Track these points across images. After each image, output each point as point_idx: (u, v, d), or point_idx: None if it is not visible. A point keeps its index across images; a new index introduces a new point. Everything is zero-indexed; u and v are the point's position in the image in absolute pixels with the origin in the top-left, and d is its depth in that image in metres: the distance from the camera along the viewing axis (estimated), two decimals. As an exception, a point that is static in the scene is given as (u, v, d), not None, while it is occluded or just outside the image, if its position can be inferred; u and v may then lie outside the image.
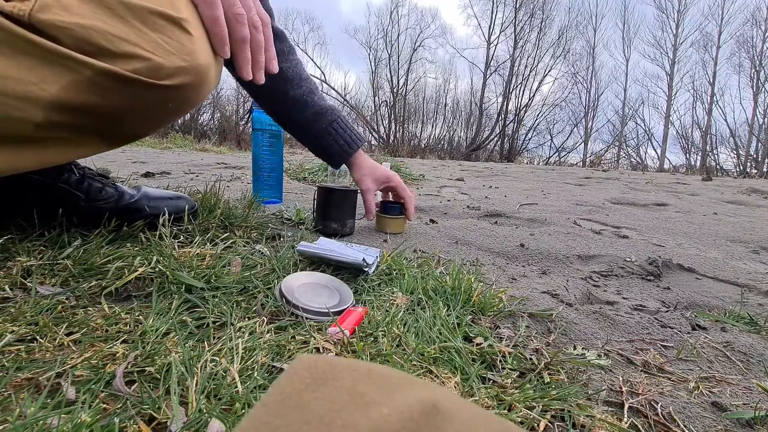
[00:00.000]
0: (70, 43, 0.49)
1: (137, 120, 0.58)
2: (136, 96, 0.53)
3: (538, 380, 0.50)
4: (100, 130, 0.57)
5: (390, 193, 1.21)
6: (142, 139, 0.66)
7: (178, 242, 0.79)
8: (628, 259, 1.08)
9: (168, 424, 0.36)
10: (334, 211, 1.09)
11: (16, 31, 0.47)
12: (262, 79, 0.67)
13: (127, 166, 2.60)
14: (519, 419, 0.43)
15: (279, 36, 1.03)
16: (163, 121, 0.61)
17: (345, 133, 1.10)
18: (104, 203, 0.79)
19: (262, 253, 0.83)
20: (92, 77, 0.50)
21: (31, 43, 0.48)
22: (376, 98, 16.76)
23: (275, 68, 0.68)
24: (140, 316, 0.54)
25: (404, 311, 0.63)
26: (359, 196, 1.15)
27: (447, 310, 0.65)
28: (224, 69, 0.97)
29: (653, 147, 16.64)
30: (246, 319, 0.57)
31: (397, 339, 0.55)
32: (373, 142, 15.92)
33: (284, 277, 0.67)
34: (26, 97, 0.49)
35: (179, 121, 11.89)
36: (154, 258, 0.66)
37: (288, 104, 1.05)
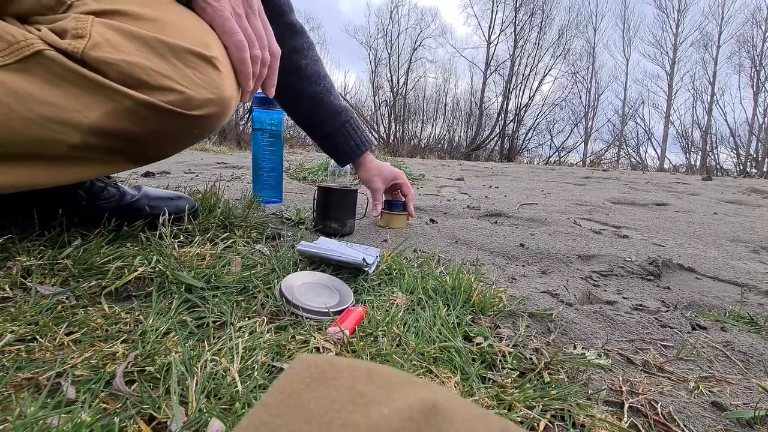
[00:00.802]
0: (115, 77, 0.54)
1: (164, 144, 0.64)
2: (168, 124, 0.59)
3: (538, 380, 0.50)
4: (130, 152, 0.62)
5: (393, 191, 1.27)
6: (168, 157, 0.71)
7: (178, 242, 0.79)
8: (628, 259, 1.08)
9: (168, 423, 0.36)
10: (334, 211, 1.09)
11: (69, 65, 0.52)
12: (252, 95, 0.74)
13: (127, 165, 2.60)
14: (519, 419, 0.43)
15: (299, 32, 1.06)
16: (186, 145, 0.67)
17: (356, 134, 1.15)
18: (106, 203, 0.79)
19: (262, 252, 0.83)
20: (132, 107, 0.55)
21: (80, 76, 0.53)
22: (376, 98, 16.76)
23: (272, 94, 0.76)
24: (140, 316, 0.54)
25: (404, 311, 0.63)
26: (361, 196, 1.17)
27: (447, 309, 0.65)
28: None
29: (653, 147, 16.64)
30: (246, 319, 0.57)
31: (397, 339, 0.55)
32: (373, 142, 15.92)
33: (284, 276, 0.67)
34: (69, 123, 0.53)
35: (179, 121, 11.84)
36: (154, 258, 0.66)
37: (304, 101, 1.08)
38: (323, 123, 1.11)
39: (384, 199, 1.26)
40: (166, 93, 0.57)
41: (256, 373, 0.44)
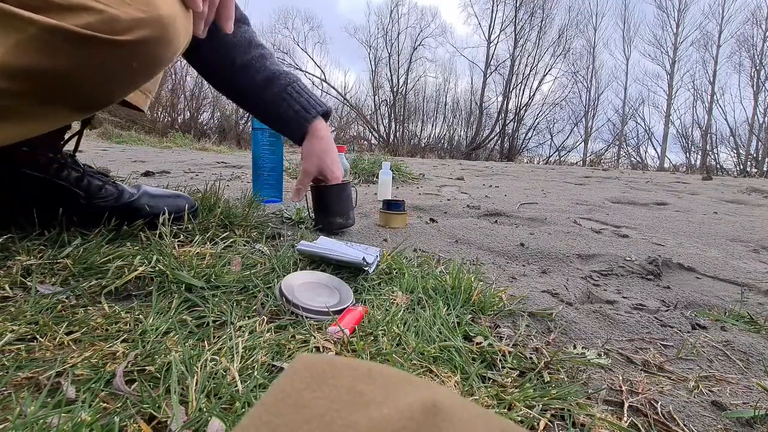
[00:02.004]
0: (12, 1, 0.44)
1: (101, 83, 0.53)
2: (93, 55, 0.48)
3: (538, 379, 0.50)
4: (62, 96, 0.51)
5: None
6: (115, 103, 0.61)
7: (178, 241, 0.79)
8: (628, 259, 1.08)
9: (168, 423, 0.36)
10: (336, 206, 1.09)
11: None
12: (207, 26, 0.63)
13: (127, 165, 2.60)
14: (519, 418, 0.43)
15: None
16: (132, 83, 0.56)
17: (302, 97, 0.95)
18: (104, 201, 0.78)
19: (262, 252, 0.83)
20: (39, 35, 0.45)
21: None
22: (376, 97, 16.74)
23: (229, 28, 0.65)
24: (140, 315, 0.54)
25: (404, 310, 0.63)
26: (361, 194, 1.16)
27: (447, 309, 0.65)
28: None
29: (653, 146, 16.61)
30: (246, 318, 0.57)
31: (397, 338, 0.55)
32: (373, 141, 15.92)
33: (284, 276, 0.67)
34: None
35: (179, 120, 11.88)
36: (154, 257, 0.66)
37: (236, 73, 0.92)
38: (261, 93, 0.93)
39: (384, 199, 1.27)
40: (81, 14, 0.46)
41: (256, 373, 0.44)
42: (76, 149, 0.80)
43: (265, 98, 0.94)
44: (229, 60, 0.91)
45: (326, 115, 1.00)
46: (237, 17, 0.91)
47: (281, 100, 0.94)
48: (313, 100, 0.97)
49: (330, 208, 1.09)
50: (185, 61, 0.91)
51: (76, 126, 0.81)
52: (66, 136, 0.79)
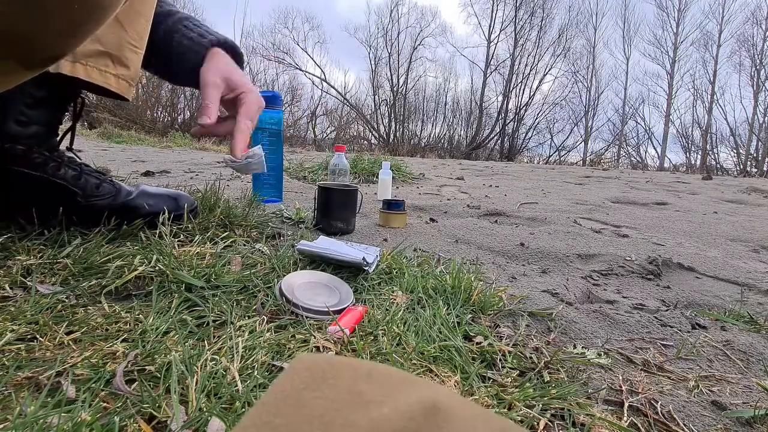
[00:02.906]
0: None
1: (43, 30, 0.47)
2: None
3: (538, 379, 0.50)
4: (6, 48, 0.46)
5: (237, 114, 0.78)
6: (64, 57, 0.55)
7: (178, 241, 0.79)
8: (628, 258, 1.08)
9: (168, 422, 0.36)
10: (338, 211, 1.09)
11: None
12: None
13: (127, 164, 2.60)
14: (519, 418, 0.43)
15: None
16: (78, 29, 0.50)
17: (199, 28, 0.81)
18: (101, 199, 0.78)
19: (262, 252, 0.83)
20: None
21: None
22: (376, 97, 16.74)
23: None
24: (140, 315, 0.54)
25: (404, 310, 0.63)
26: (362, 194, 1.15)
27: (447, 309, 0.65)
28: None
29: (653, 146, 16.59)
30: (246, 318, 0.57)
31: (397, 338, 0.55)
32: (373, 141, 15.92)
33: (284, 275, 0.67)
34: None
35: (179, 120, 11.87)
36: (154, 257, 0.66)
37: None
38: (156, 28, 0.79)
39: (385, 199, 1.26)
40: None
41: (256, 372, 0.44)
42: (71, 144, 0.80)
43: (159, 34, 0.79)
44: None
45: (226, 46, 0.82)
46: None
47: (175, 32, 0.80)
48: (211, 30, 0.82)
49: (333, 211, 1.09)
50: None
51: (67, 123, 0.81)
52: (59, 133, 0.78)
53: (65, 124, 0.80)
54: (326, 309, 0.60)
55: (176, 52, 0.79)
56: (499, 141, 15.97)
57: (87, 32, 0.53)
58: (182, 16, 0.82)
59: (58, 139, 0.79)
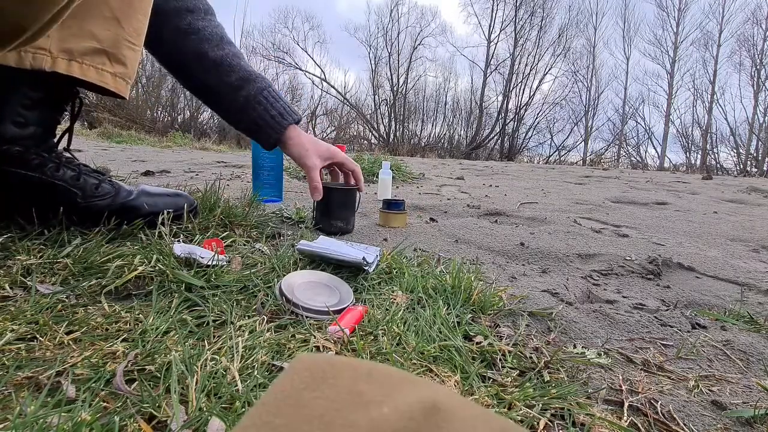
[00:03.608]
0: None
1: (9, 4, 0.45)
2: None
3: (538, 379, 0.50)
4: None
5: (338, 170, 1.08)
6: (27, 33, 0.52)
7: (177, 241, 0.79)
8: (628, 258, 1.08)
9: (168, 422, 0.36)
10: (338, 210, 1.09)
11: None
12: None
13: (127, 164, 2.60)
14: (519, 418, 0.43)
15: None
16: (45, 3, 0.47)
17: (278, 103, 0.94)
18: (101, 199, 0.78)
19: (262, 251, 0.83)
20: None
21: None
22: (376, 97, 16.74)
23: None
24: (140, 315, 0.54)
25: (404, 310, 0.63)
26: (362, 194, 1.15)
27: (447, 308, 0.65)
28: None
29: (653, 146, 16.58)
30: (246, 318, 0.57)
31: (397, 338, 0.55)
32: (373, 141, 15.91)
33: (284, 275, 0.67)
34: None
35: (179, 120, 11.87)
36: (154, 256, 0.66)
37: (207, 68, 0.88)
38: (234, 94, 0.90)
39: (385, 199, 1.27)
40: None
41: (256, 372, 0.44)
42: (69, 144, 0.80)
43: (238, 99, 0.91)
44: (199, 54, 0.87)
45: (298, 123, 0.99)
46: (202, 7, 0.88)
47: (257, 104, 0.92)
48: (288, 107, 0.96)
49: (333, 211, 1.09)
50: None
51: (66, 123, 0.81)
52: (57, 133, 0.78)
53: (64, 125, 0.80)
54: (326, 309, 0.60)
55: (256, 123, 0.93)
56: (499, 141, 15.97)
57: (55, 6, 0.49)
58: (264, 85, 0.92)
59: (56, 139, 0.78)
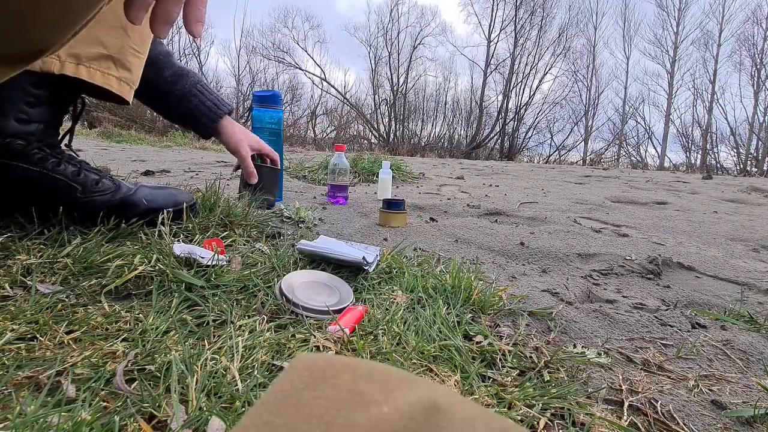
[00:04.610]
0: None
1: (18, 22, 0.45)
2: None
3: (538, 378, 0.50)
4: None
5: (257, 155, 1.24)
6: (47, 53, 0.51)
7: (178, 240, 0.79)
8: (628, 258, 1.08)
9: (168, 422, 0.36)
10: (268, 186, 1.25)
11: None
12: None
13: (127, 164, 2.60)
14: (519, 417, 0.43)
15: None
16: (56, 21, 0.47)
17: (211, 95, 1.04)
18: (101, 195, 0.78)
19: (262, 251, 0.83)
20: None
21: None
22: (376, 96, 16.72)
23: (199, 32, 0.52)
24: (140, 315, 0.54)
25: (404, 309, 0.63)
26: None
27: (447, 308, 0.65)
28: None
29: (653, 145, 16.56)
30: (246, 318, 0.57)
31: (397, 337, 0.55)
32: (373, 141, 15.91)
33: (284, 275, 0.67)
34: None
35: (179, 120, 11.84)
36: (154, 256, 0.66)
37: (147, 67, 0.89)
38: (170, 88, 0.98)
39: (385, 198, 1.28)
40: None
41: (256, 372, 0.44)
42: (69, 143, 0.81)
43: (174, 93, 0.99)
44: None
45: (231, 113, 1.11)
46: None
47: (192, 96, 1.01)
48: (220, 98, 1.07)
49: (265, 187, 1.24)
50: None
51: (67, 123, 0.81)
52: (60, 133, 0.79)
53: (65, 125, 0.80)
54: (326, 308, 0.60)
55: (193, 115, 1.03)
56: (499, 140, 15.96)
57: (65, 24, 0.49)
58: (196, 79, 1.02)
59: (60, 138, 0.79)
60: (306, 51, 17.38)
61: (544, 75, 16.14)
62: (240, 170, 1.21)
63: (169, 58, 0.99)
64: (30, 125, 0.72)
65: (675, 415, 0.46)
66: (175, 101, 1.01)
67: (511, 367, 0.52)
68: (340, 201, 1.63)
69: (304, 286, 0.65)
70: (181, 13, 0.49)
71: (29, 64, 0.53)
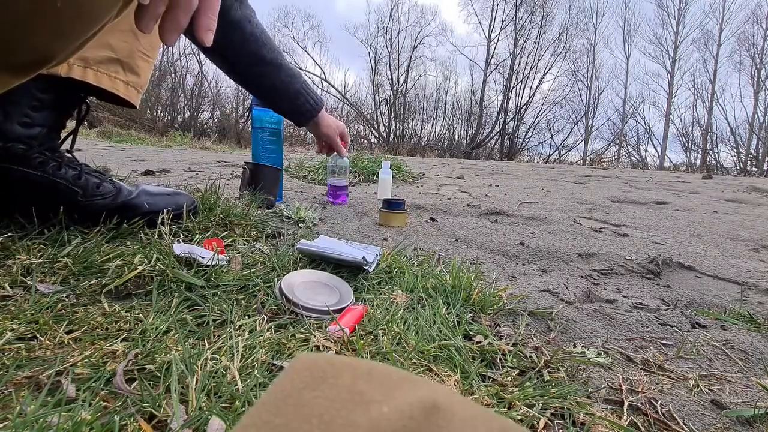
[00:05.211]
0: None
1: (22, 32, 0.45)
2: None
3: (538, 378, 0.50)
4: None
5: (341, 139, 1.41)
6: (52, 63, 0.51)
7: (177, 240, 0.79)
8: (628, 258, 1.08)
9: (168, 422, 0.36)
10: (269, 186, 1.31)
11: None
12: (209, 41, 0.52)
13: (127, 164, 2.60)
14: (519, 417, 0.43)
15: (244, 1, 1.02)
16: (61, 33, 0.47)
17: (312, 92, 1.22)
18: (102, 199, 0.78)
19: (262, 251, 0.83)
20: None
21: None
22: (376, 96, 16.71)
23: (209, 41, 0.53)
24: (140, 315, 0.54)
25: (404, 309, 0.63)
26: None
27: (447, 308, 0.65)
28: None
29: (653, 145, 16.57)
30: (246, 317, 0.57)
31: (397, 337, 0.55)
32: (373, 140, 15.90)
33: (284, 275, 0.67)
34: None
35: (179, 119, 11.87)
36: (154, 256, 0.66)
37: (264, 66, 1.08)
38: (285, 87, 1.14)
39: (385, 198, 1.31)
40: None
41: (256, 372, 0.44)
42: (72, 147, 0.81)
43: (288, 92, 1.16)
44: (256, 56, 1.05)
45: (324, 106, 1.31)
46: (252, 13, 1.03)
47: (300, 95, 1.18)
48: (318, 96, 1.25)
49: (265, 187, 1.30)
50: (206, 59, 0.98)
51: (71, 125, 0.81)
52: (62, 135, 0.79)
53: (68, 127, 0.80)
54: (326, 308, 0.60)
55: (299, 110, 1.21)
56: (499, 140, 15.95)
57: (75, 35, 0.50)
58: (302, 79, 1.19)
59: (60, 141, 0.79)
60: (306, 51, 17.41)
61: (544, 75, 16.15)
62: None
63: (283, 59, 1.12)
64: (33, 129, 0.72)
65: (675, 415, 0.46)
66: (286, 99, 1.17)
67: (511, 367, 0.52)
68: (342, 200, 1.63)
69: (304, 286, 0.65)
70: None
71: (32, 75, 0.54)
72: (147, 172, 2.12)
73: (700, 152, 14.97)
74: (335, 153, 1.45)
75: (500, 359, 0.53)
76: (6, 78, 0.49)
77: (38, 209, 0.73)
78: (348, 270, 0.76)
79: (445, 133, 16.67)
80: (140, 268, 0.63)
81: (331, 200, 1.63)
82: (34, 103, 0.71)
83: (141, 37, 0.76)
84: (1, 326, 0.47)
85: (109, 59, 0.73)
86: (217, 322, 0.55)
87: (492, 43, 16.33)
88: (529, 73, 15.90)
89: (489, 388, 0.47)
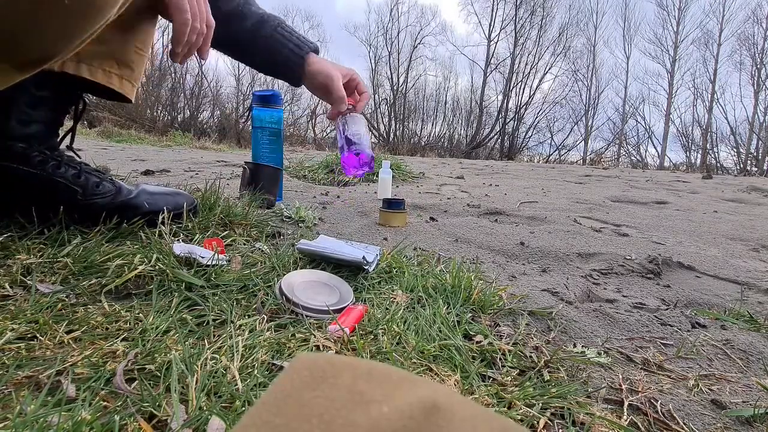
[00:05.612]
0: None
1: (34, 28, 0.47)
2: None
3: (538, 378, 0.50)
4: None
5: (353, 89, 1.09)
6: (57, 58, 0.56)
7: (177, 240, 0.79)
8: (628, 257, 1.08)
9: (168, 421, 0.36)
10: (268, 185, 1.27)
11: None
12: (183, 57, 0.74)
13: (127, 163, 2.60)
14: (519, 417, 0.43)
15: None
16: (68, 30, 0.49)
17: (293, 35, 1.00)
18: (102, 198, 0.78)
19: (262, 251, 0.83)
20: None
21: None
22: (376, 96, 16.69)
23: (205, 57, 0.73)
24: (140, 314, 0.54)
25: (404, 309, 0.63)
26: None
27: (447, 308, 0.65)
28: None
29: (653, 145, 16.56)
30: (246, 317, 0.57)
31: (397, 337, 0.55)
32: (373, 140, 15.89)
33: (284, 275, 0.67)
34: None
35: (179, 119, 11.86)
36: (154, 256, 0.66)
37: (225, 21, 0.90)
38: (254, 38, 0.96)
39: (384, 198, 1.26)
40: None
41: (256, 371, 0.44)
42: (71, 145, 0.81)
43: (258, 42, 0.97)
44: (213, 9, 0.86)
45: (316, 51, 1.03)
46: None
47: (274, 41, 0.97)
48: (303, 37, 1.01)
49: (265, 186, 1.27)
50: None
51: (68, 123, 0.81)
52: (60, 133, 0.79)
53: (66, 125, 0.80)
54: (326, 308, 0.60)
55: (278, 61, 1.00)
56: (499, 140, 15.95)
57: (81, 32, 0.52)
58: (276, 23, 0.98)
59: (59, 139, 0.79)
60: (306, 50, 17.32)
61: (544, 74, 16.14)
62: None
63: (249, 7, 0.97)
64: (31, 126, 0.72)
65: (675, 415, 0.46)
66: (260, 51, 0.99)
67: (511, 367, 0.52)
68: (368, 167, 1.18)
69: (304, 286, 0.65)
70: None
71: (37, 70, 0.55)
72: (147, 172, 2.12)
73: (700, 152, 14.98)
74: (346, 114, 1.12)
75: (500, 359, 0.53)
76: (12, 73, 0.51)
77: (38, 208, 0.73)
78: (348, 270, 0.76)
79: (445, 133, 16.67)
80: (140, 267, 0.63)
81: (353, 171, 1.18)
82: (31, 99, 0.71)
83: (134, 32, 0.76)
84: (1, 326, 0.47)
85: (102, 54, 0.73)
86: (217, 321, 0.55)
87: (492, 42, 16.33)
88: (529, 72, 15.91)
89: (489, 387, 0.47)
